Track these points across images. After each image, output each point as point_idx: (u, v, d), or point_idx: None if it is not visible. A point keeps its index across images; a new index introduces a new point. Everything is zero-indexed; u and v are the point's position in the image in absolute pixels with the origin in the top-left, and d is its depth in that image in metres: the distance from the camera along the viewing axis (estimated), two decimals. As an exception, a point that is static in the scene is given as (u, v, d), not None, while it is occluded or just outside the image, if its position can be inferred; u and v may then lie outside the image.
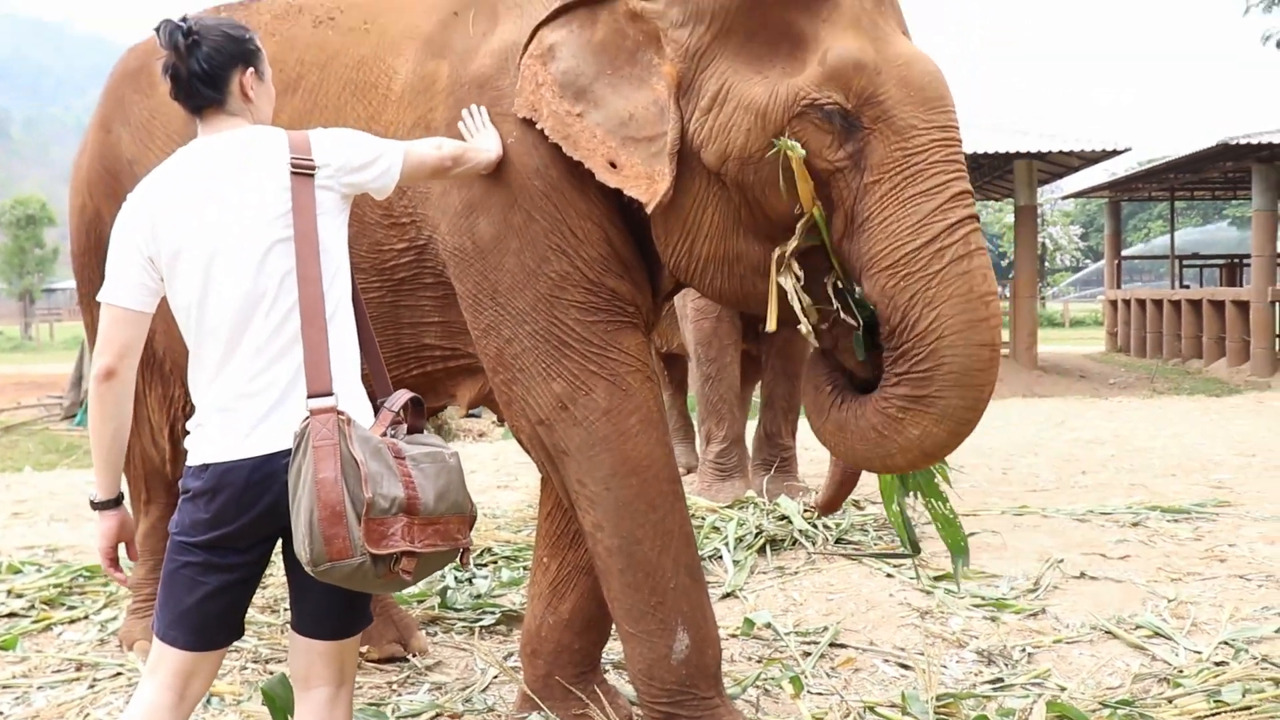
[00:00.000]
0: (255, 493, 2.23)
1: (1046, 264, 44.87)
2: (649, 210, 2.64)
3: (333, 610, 2.37)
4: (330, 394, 2.22)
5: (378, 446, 2.18)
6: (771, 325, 2.64)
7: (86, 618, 4.41)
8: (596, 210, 2.77)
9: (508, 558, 5.17)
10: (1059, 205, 42.26)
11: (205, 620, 2.32)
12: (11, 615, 4.46)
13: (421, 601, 4.52)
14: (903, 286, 2.46)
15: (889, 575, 4.75)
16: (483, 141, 2.76)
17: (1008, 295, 21.01)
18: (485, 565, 5.11)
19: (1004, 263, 38.74)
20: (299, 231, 2.28)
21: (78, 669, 3.84)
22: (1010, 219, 25.09)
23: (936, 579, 4.61)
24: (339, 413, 2.19)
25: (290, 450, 2.18)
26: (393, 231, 2.99)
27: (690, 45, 2.62)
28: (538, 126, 2.71)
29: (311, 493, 2.10)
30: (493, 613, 4.34)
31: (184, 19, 2.38)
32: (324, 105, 3.07)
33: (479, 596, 4.57)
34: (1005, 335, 20.09)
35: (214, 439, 2.28)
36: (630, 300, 2.85)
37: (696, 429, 6.84)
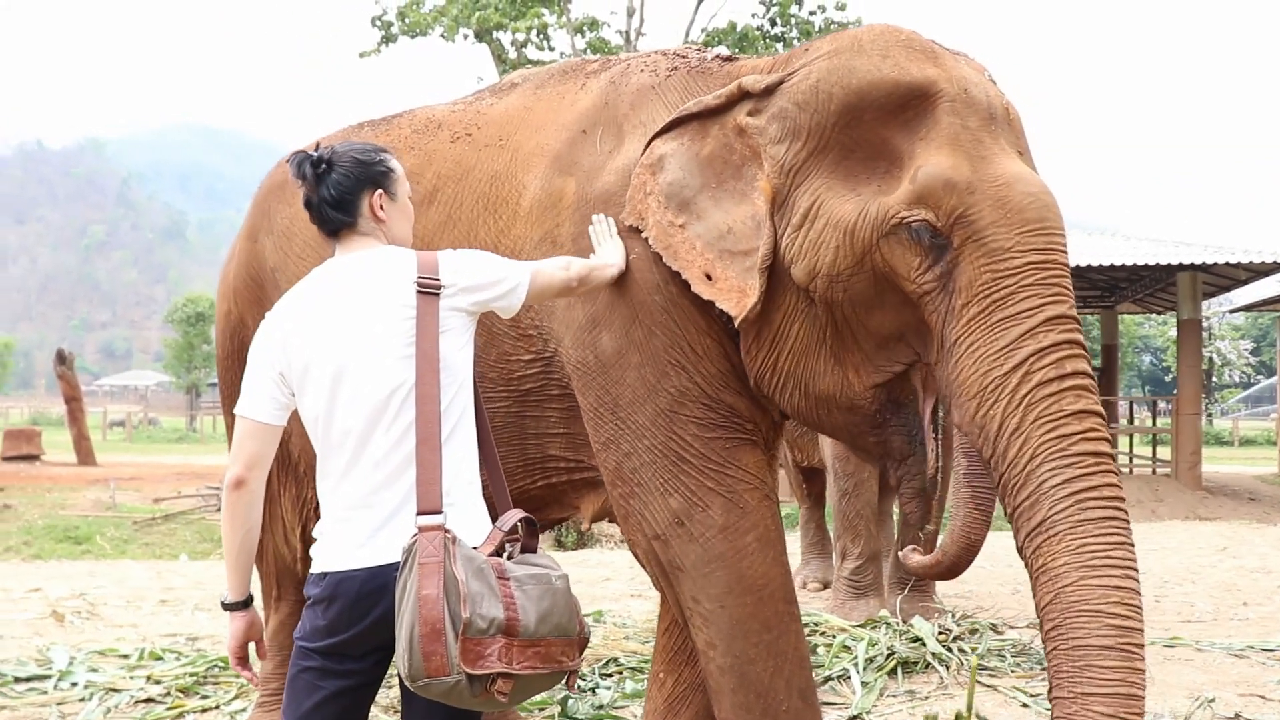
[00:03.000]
0: (368, 603, 2.27)
1: (1214, 379, 43.37)
2: (736, 324, 2.65)
3: None
4: (439, 512, 2.25)
5: (481, 566, 2.20)
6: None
7: (217, 707, 4.51)
8: (716, 326, 2.77)
9: (633, 669, 5.12)
10: (1227, 319, 40.94)
11: None
12: (149, 700, 4.61)
13: (542, 709, 4.50)
14: (990, 414, 2.37)
15: (1024, 705, 4.57)
16: (607, 255, 2.80)
17: (1170, 411, 20.30)
18: (610, 675, 5.08)
19: (1167, 378, 37.54)
20: (420, 350, 2.34)
21: (203, 759, 3.92)
22: (1175, 333, 24.41)
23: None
24: (446, 531, 2.21)
25: (399, 563, 2.22)
26: (520, 343, 3.04)
27: (786, 161, 2.63)
28: (643, 235, 2.74)
29: (414, 609, 2.13)
30: (612, 725, 4.29)
31: (316, 147, 2.50)
32: (458, 219, 3.16)
33: (600, 708, 4.53)
34: (1166, 454, 19.55)
35: (332, 548, 2.34)
36: (749, 417, 2.84)
37: (833, 544, 6.73)
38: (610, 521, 3.35)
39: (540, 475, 3.20)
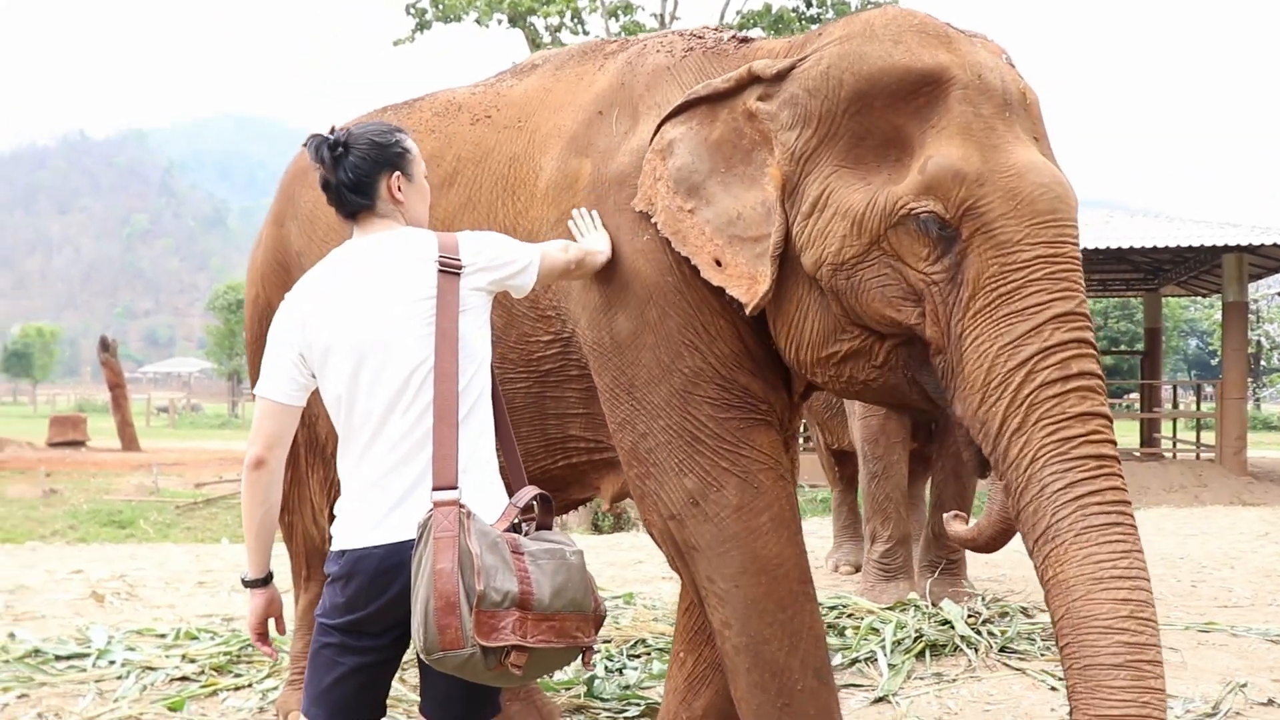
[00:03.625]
0: (386, 580, 2.31)
1: (1262, 363, 42.81)
2: (747, 311, 2.64)
3: (458, 697, 2.41)
4: (454, 488, 2.27)
5: (495, 540, 2.22)
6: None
7: (250, 685, 4.57)
8: (729, 307, 2.77)
9: (660, 650, 5.14)
10: (1276, 301, 40.36)
11: (342, 700, 2.40)
12: (184, 679, 4.68)
13: (568, 689, 4.54)
14: (993, 412, 2.34)
15: (1053, 688, 4.55)
16: (594, 242, 2.83)
17: (1215, 395, 20.08)
18: (638, 656, 5.10)
19: (1214, 361, 37.14)
20: (440, 329, 2.36)
21: (236, 735, 3.98)
22: (1220, 316, 24.15)
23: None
24: (460, 506, 2.24)
25: (416, 540, 2.26)
26: (539, 324, 3.06)
27: (797, 148, 2.61)
28: (652, 220, 2.75)
29: (429, 583, 2.15)
30: (638, 704, 4.32)
31: (332, 131, 2.52)
32: (478, 201, 3.18)
33: (627, 688, 4.56)
34: (1210, 439, 19.32)
35: (350, 526, 2.37)
36: (763, 397, 2.84)
37: (863, 527, 6.72)
38: (631, 501, 3.37)
39: (561, 455, 3.22)
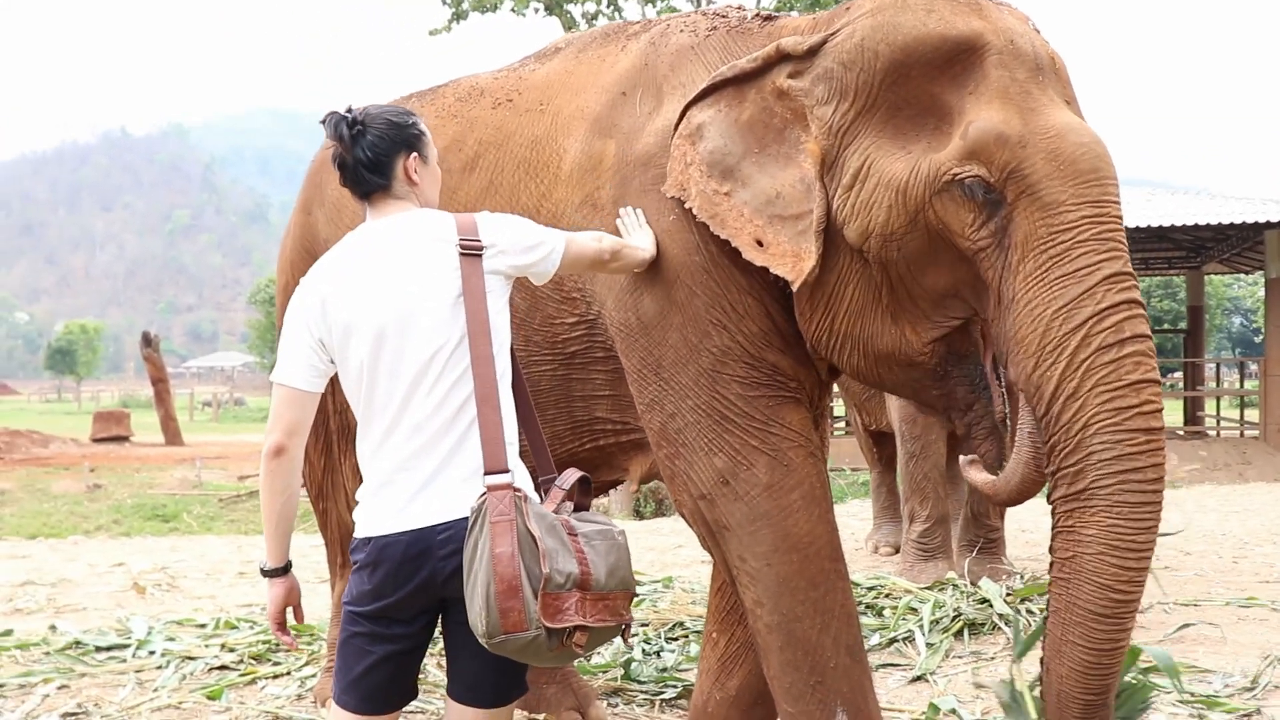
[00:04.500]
0: (412, 566, 2.30)
1: (1307, 340, 42.23)
2: (794, 288, 2.63)
3: (488, 678, 2.41)
4: (507, 470, 2.28)
5: (553, 523, 2.25)
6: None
7: (289, 673, 4.59)
8: (757, 285, 2.76)
9: (698, 632, 5.13)
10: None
11: (373, 687, 2.40)
12: (223, 668, 4.72)
13: (605, 672, 4.54)
14: (1047, 376, 2.33)
15: (1093, 665, 4.50)
16: (639, 239, 2.80)
17: (1259, 373, 19.85)
18: (676, 639, 5.10)
19: (1258, 339, 36.70)
20: (470, 311, 2.35)
21: (273, 721, 4.00)
22: (1264, 292, 23.86)
23: (1142, 671, 4.35)
24: (516, 490, 2.25)
25: (443, 524, 2.27)
26: (564, 306, 3.05)
27: (834, 122, 2.60)
28: (686, 205, 2.73)
29: (488, 567, 2.16)
30: (675, 686, 4.31)
31: (349, 110, 2.51)
32: (500, 184, 3.17)
33: (664, 670, 4.55)
34: (1254, 415, 19.10)
35: (374, 513, 2.36)
36: (792, 375, 2.83)
37: (902, 507, 6.69)
38: (660, 482, 3.36)
39: (588, 438, 3.22)
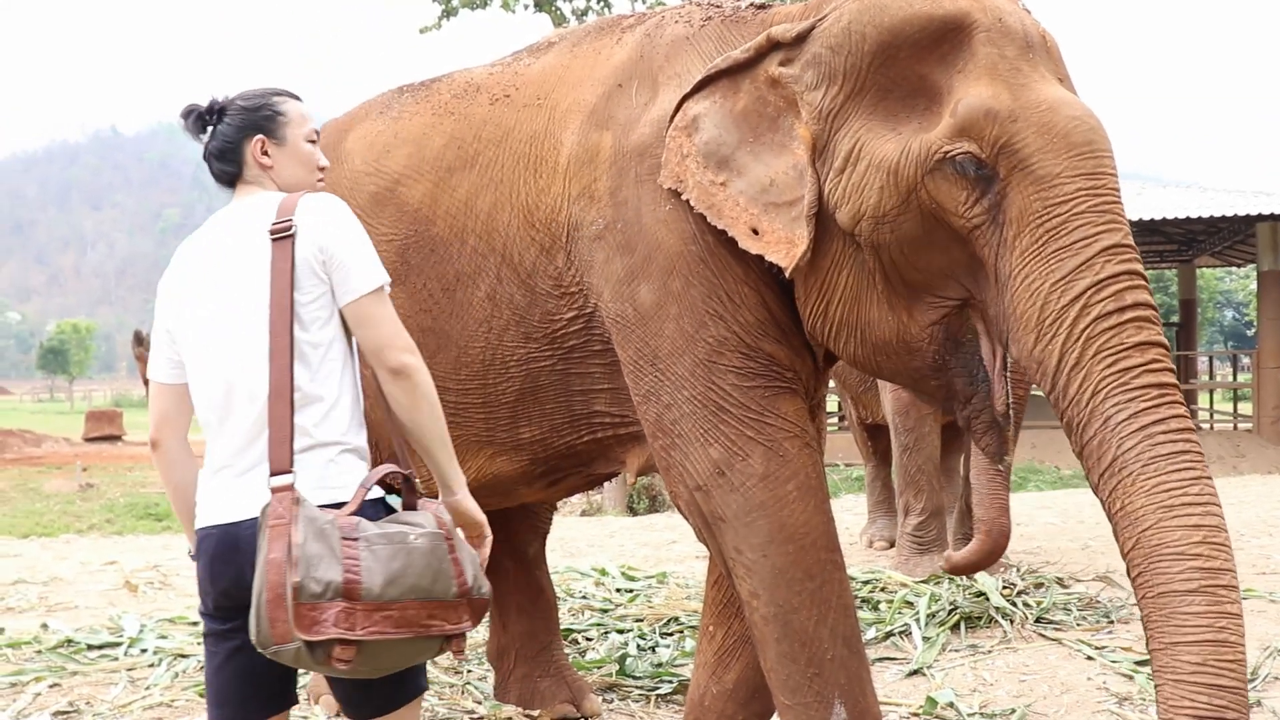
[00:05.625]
0: (224, 562, 2.22)
1: (1299, 333, 42.28)
2: (787, 274, 2.61)
3: (359, 697, 2.30)
4: (289, 471, 2.15)
5: (323, 527, 2.08)
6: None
7: (281, 671, 4.55)
8: (753, 275, 2.75)
9: (693, 627, 5.11)
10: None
11: (226, 689, 2.28)
12: (217, 666, 4.66)
13: (600, 667, 4.52)
14: (1049, 349, 2.31)
15: (1089, 658, 4.50)
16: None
17: (1252, 366, 19.88)
18: (671, 634, 5.09)
19: (1250, 332, 36.77)
20: (273, 299, 2.23)
21: None
22: (1255, 285, 23.89)
23: (1140, 663, 4.34)
24: (292, 491, 2.12)
25: (248, 521, 2.16)
26: (562, 301, 3.03)
27: (824, 107, 2.60)
28: (683, 197, 2.72)
29: (262, 573, 2.05)
30: (670, 681, 4.30)
31: (212, 100, 2.44)
32: (499, 180, 3.15)
33: (659, 665, 4.54)
34: (1248, 409, 19.14)
35: (200, 505, 2.31)
36: (788, 365, 2.81)
37: (897, 500, 6.68)
38: (657, 475, 3.33)
39: (586, 430, 3.19)
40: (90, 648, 4.98)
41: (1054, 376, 2.32)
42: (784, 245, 2.61)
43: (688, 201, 2.72)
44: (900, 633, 4.92)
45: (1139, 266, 2.32)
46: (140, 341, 26.46)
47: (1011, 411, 2.58)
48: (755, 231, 2.64)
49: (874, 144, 2.53)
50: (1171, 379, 2.25)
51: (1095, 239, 2.31)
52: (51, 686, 4.39)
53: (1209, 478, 2.18)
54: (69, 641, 5.05)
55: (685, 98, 2.76)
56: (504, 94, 3.30)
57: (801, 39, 2.65)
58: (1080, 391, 2.28)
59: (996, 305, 2.46)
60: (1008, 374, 2.56)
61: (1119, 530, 2.23)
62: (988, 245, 2.43)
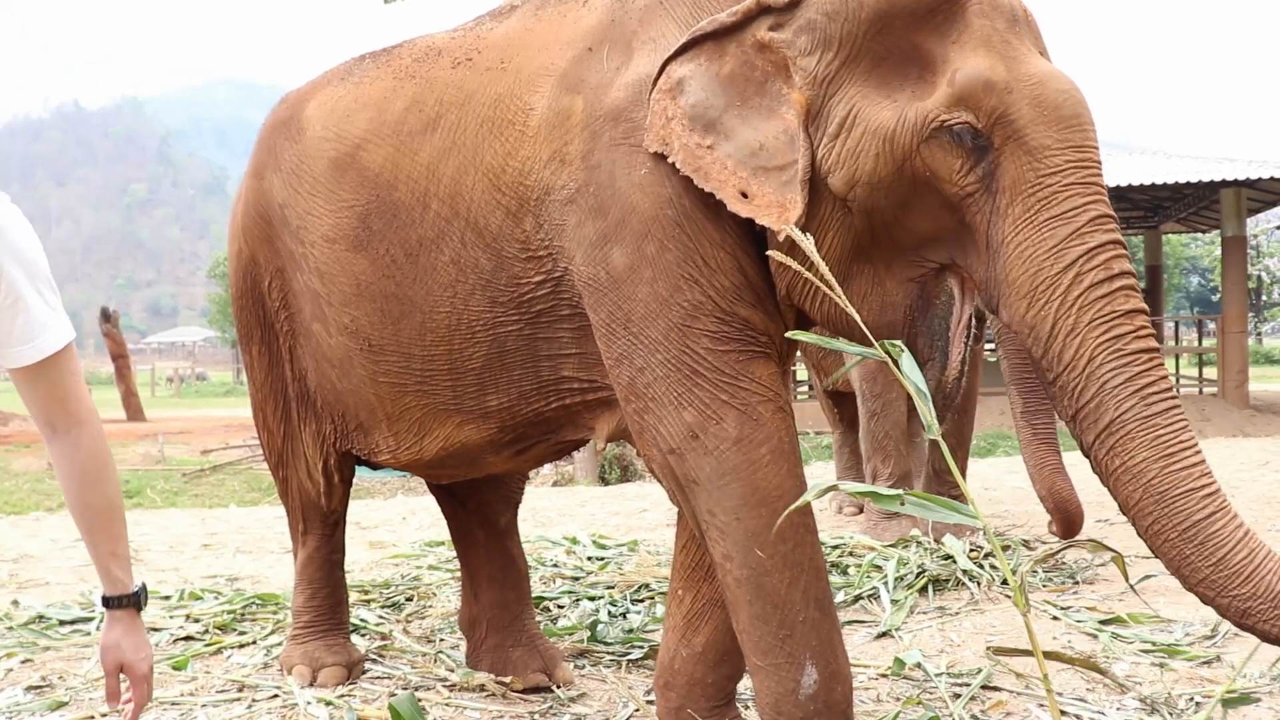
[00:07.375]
0: None
1: (1264, 298, 42.71)
2: (780, 236, 2.61)
3: None
4: None
5: None
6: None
7: (254, 642, 4.56)
8: (730, 239, 2.76)
9: (664, 594, 5.13)
10: (1276, 235, 40.19)
11: None
12: (188, 638, 4.67)
13: (571, 634, 4.55)
14: (1043, 315, 2.40)
15: (1055, 618, 4.57)
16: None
17: (1216, 331, 20.07)
18: (642, 600, 5.12)
19: (1215, 298, 37.10)
20: None
21: (240, 690, 3.98)
22: (1220, 251, 24.10)
23: (1104, 622, 4.40)
24: None
25: None
26: (530, 265, 3.03)
27: (818, 72, 2.62)
28: (669, 160, 2.73)
29: None
30: (641, 647, 4.33)
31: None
32: (462, 143, 3.14)
33: (630, 631, 4.57)
34: (1213, 374, 19.33)
35: None
36: (763, 330, 2.83)
37: (864, 466, 6.72)
38: (626, 442, 3.35)
39: (555, 397, 3.20)
40: (62, 623, 4.96)
41: (1047, 342, 2.41)
42: (775, 209, 2.63)
43: (672, 165, 2.72)
44: (869, 596, 4.97)
45: (1120, 236, 2.43)
46: (107, 318, 26.41)
47: (958, 385, 2.66)
48: (744, 195, 2.66)
49: (869, 111, 2.56)
50: (1155, 344, 2.38)
51: (1085, 209, 2.40)
52: (24, 662, 4.38)
53: (1189, 427, 2.33)
54: (41, 617, 5.02)
55: (668, 60, 2.75)
56: (466, 58, 3.29)
57: (794, 4, 2.66)
58: (1077, 357, 2.37)
59: (986, 271, 2.52)
60: (968, 343, 2.62)
61: (1121, 483, 2.34)
62: (980, 213, 2.50)
